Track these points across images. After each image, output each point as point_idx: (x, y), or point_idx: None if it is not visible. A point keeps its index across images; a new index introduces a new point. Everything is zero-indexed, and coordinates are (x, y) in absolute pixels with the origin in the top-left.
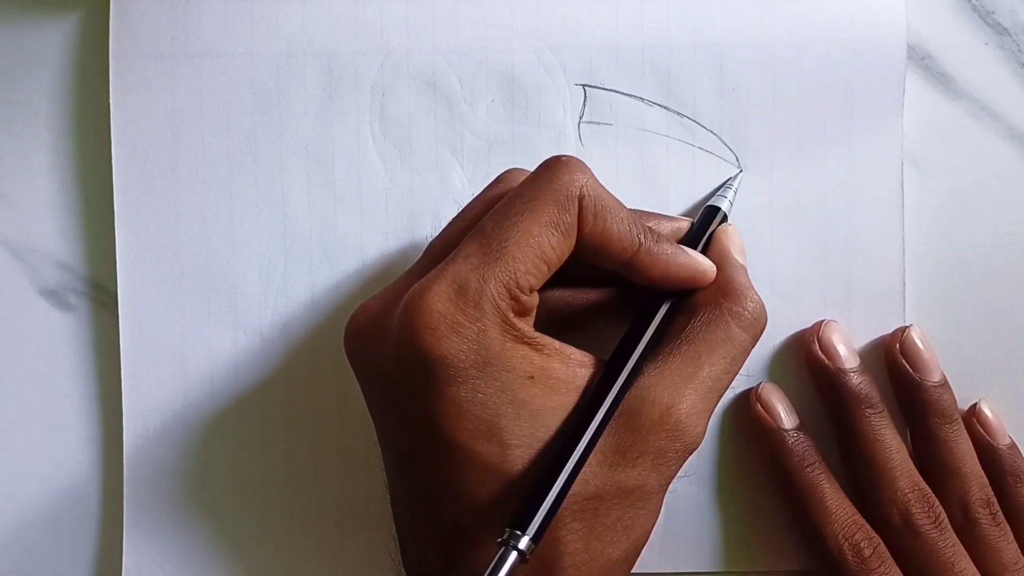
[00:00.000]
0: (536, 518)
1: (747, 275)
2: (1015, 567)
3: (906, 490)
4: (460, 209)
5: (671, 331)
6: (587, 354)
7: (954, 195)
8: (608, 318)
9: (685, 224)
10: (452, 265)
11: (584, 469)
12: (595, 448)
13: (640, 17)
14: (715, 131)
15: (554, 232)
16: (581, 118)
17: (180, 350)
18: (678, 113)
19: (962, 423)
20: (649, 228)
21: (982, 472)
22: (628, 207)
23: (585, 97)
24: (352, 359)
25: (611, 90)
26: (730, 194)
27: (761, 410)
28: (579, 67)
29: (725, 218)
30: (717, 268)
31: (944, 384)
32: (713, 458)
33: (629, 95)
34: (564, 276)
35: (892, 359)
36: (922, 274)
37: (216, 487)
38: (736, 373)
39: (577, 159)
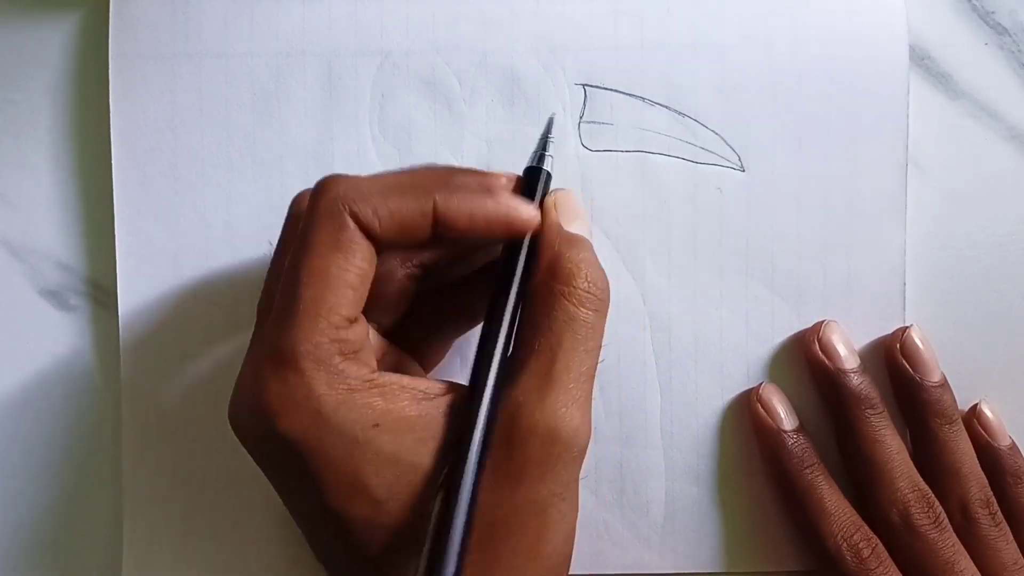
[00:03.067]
0: None
1: (583, 245)
2: (1014, 567)
3: (906, 490)
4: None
5: (519, 328)
6: (439, 382)
7: (954, 195)
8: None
9: (501, 180)
10: (262, 336)
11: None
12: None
13: (640, 17)
14: (716, 130)
15: (338, 253)
16: (581, 118)
17: (180, 350)
18: (679, 113)
19: (962, 423)
20: (447, 183)
21: (982, 472)
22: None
23: (585, 97)
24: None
25: (611, 90)
26: (551, 147)
27: (761, 411)
28: (579, 67)
29: (550, 177)
30: (544, 245)
31: (944, 384)
32: (713, 458)
33: (629, 95)
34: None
35: (892, 359)
36: (922, 274)
37: (216, 487)
38: (596, 351)
39: (334, 176)
